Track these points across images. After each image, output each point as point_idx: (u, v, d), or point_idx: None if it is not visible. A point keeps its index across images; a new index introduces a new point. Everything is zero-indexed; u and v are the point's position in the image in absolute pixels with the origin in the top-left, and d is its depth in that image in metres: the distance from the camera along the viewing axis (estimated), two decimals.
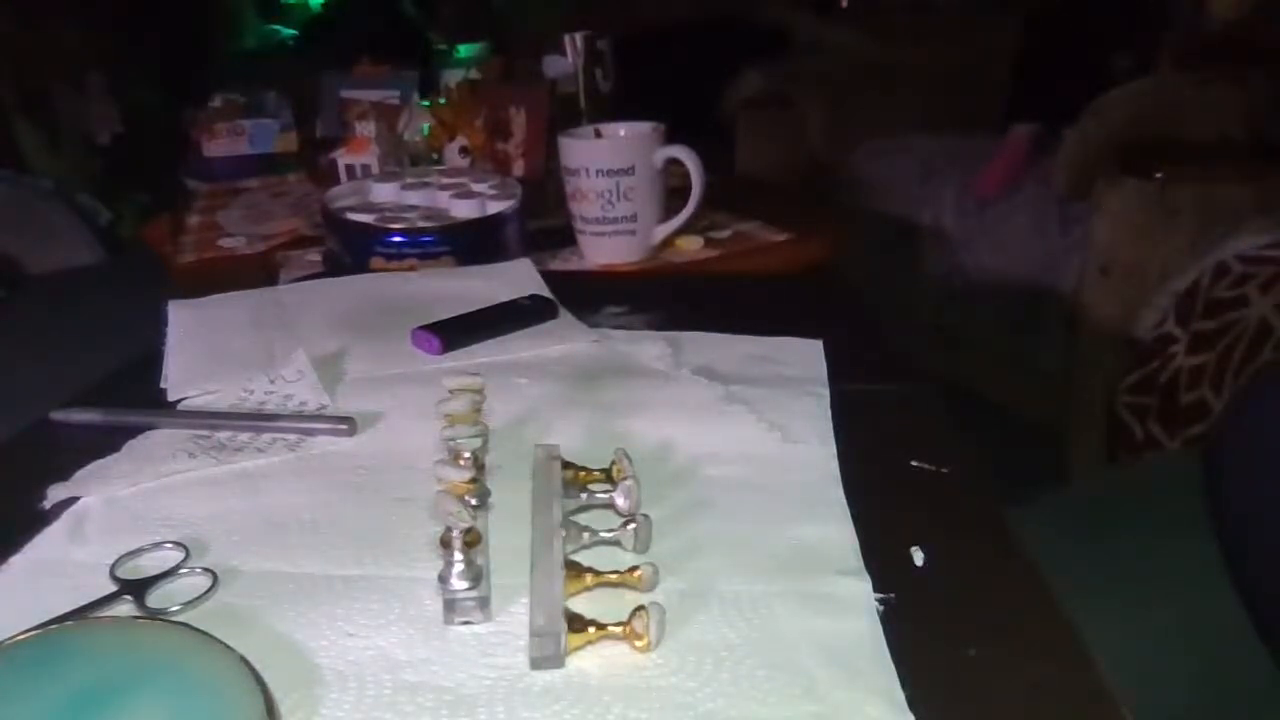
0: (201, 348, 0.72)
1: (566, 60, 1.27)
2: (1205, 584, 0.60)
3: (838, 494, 0.50)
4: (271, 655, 0.39)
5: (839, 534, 0.47)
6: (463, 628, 0.42)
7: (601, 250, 1.02)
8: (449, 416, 0.50)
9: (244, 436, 0.59)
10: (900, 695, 0.37)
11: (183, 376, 0.67)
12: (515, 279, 0.82)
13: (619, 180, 0.98)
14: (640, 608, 0.39)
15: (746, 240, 1.11)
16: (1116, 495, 0.77)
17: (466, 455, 0.48)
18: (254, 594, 0.44)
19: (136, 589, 0.44)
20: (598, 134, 1.03)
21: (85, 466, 0.55)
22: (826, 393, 0.61)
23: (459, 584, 0.41)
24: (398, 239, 0.94)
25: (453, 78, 1.41)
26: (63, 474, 0.54)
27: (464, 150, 1.31)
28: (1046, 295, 1.86)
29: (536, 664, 0.39)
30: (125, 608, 0.44)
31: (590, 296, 0.79)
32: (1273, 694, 0.58)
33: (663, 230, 1.02)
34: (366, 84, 1.57)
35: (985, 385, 2.02)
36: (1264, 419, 0.59)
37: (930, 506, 0.50)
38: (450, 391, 0.52)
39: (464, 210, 0.97)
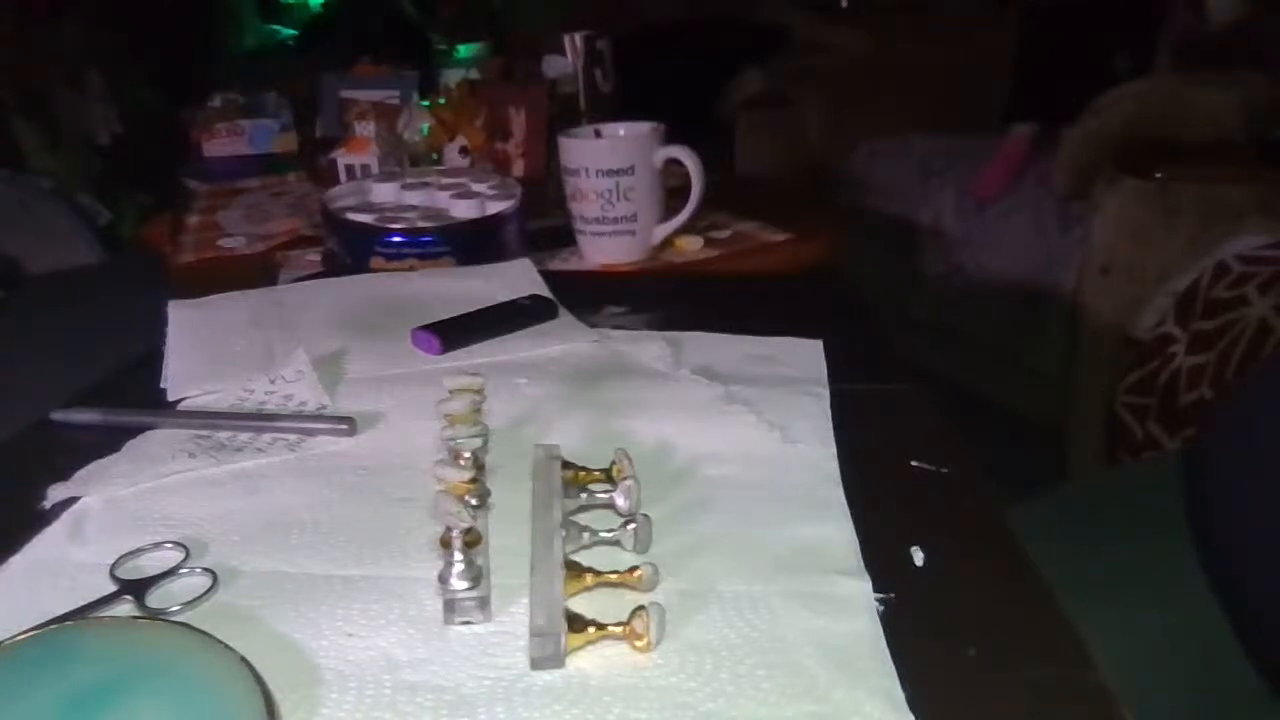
0: (201, 348, 0.72)
1: (566, 60, 1.27)
2: (1205, 583, 0.60)
3: (838, 494, 0.50)
4: (271, 655, 0.39)
5: (839, 534, 0.47)
6: (463, 628, 0.42)
7: (601, 250, 1.02)
8: (449, 416, 0.50)
9: (244, 436, 0.59)
10: (900, 695, 0.37)
11: (183, 376, 0.67)
12: (515, 279, 0.82)
13: (619, 180, 0.98)
14: (640, 608, 0.39)
15: (746, 240, 1.11)
16: (1116, 495, 0.77)
17: (466, 455, 0.48)
18: (254, 594, 0.44)
19: (136, 589, 0.44)
20: (597, 134, 1.03)
21: (85, 466, 0.55)
22: (826, 393, 0.61)
23: (459, 584, 0.41)
24: (397, 239, 0.94)
25: (453, 78, 1.41)
26: (63, 474, 0.54)
27: (464, 150, 1.31)
28: (1046, 295, 1.86)
29: (536, 664, 0.39)
30: (125, 608, 0.44)
31: (590, 296, 0.79)
32: (1272, 694, 0.58)
33: (663, 230, 1.02)
34: (366, 84, 1.57)
35: (985, 385, 2.02)
36: (1247, 423, 0.59)
37: (930, 506, 0.50)
38: (450, 391, 0.52)
39: (464, 210, 0.97)
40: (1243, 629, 0.57)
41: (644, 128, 1.01)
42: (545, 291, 0.79)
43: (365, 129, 1.35)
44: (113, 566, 0.46)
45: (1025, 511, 0.69)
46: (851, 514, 0.48)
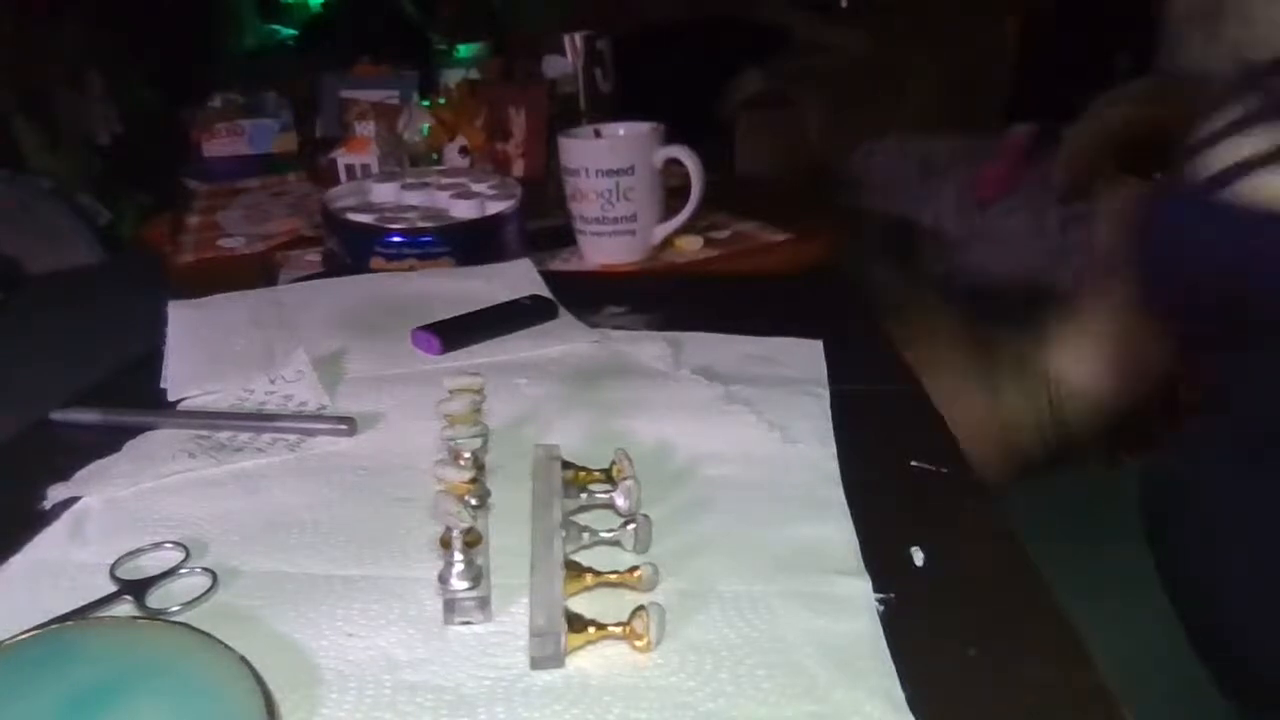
0: (201, 348, 0.72)
1: (566, 60, 1.27)
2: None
3: (838, 494, 0.50)
4: (271, 655, 0.39)
5: (839, 534, 0.47)
6: (463, 628, 0.42)
7: (601, 250, 1.02)
8: (449, 416, 0.50)
9: (244, 436, 0.59)
10: (900, 695, 0.37)
11: (183, 376, 0.67)
12: (515, 279, 0.82)
13: (619, 180, 0.98)
14: (640, 608, 0.39)
15: (746, 240, 1.11)
16: (1116, 495, 0.77)
17: (466, 455, 0.48)
18: (254, 594, 0.44)
19: (136, 589, 0.44)
20: (597, 134, 1.03)
21: (85, 466, 0.55)
22: (826, 393, 0.61)
23: (459, 584, 0.41)
24: (397, 239, 0.94)
25: (453, 78, 1.41)
26: (63, 474, 0.54)
27: (464, 150, 1.31)
28: (1046, 295, 1.86)
29: (536, 664, 0.39)
30: (125, 608, 0.44)
31: (590, 296, 0.79)
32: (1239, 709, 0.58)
33: (663, 230, 1.02)
34: (366, 84, 1.57)
35: None
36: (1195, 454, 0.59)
37: (930, 506, 0.50)
38: (450, 391, 0.52)
39: (464, 210, 0.97)
40: (1202, 647, 0.57)
41: (644, 128, 1.01)
42: (545, 291, 0.79)
43: (365, 129, 1.35)
44: (113, 566, 0.46)
45: (1025, 511, 0.69)
46: (851, 514, 0.48)
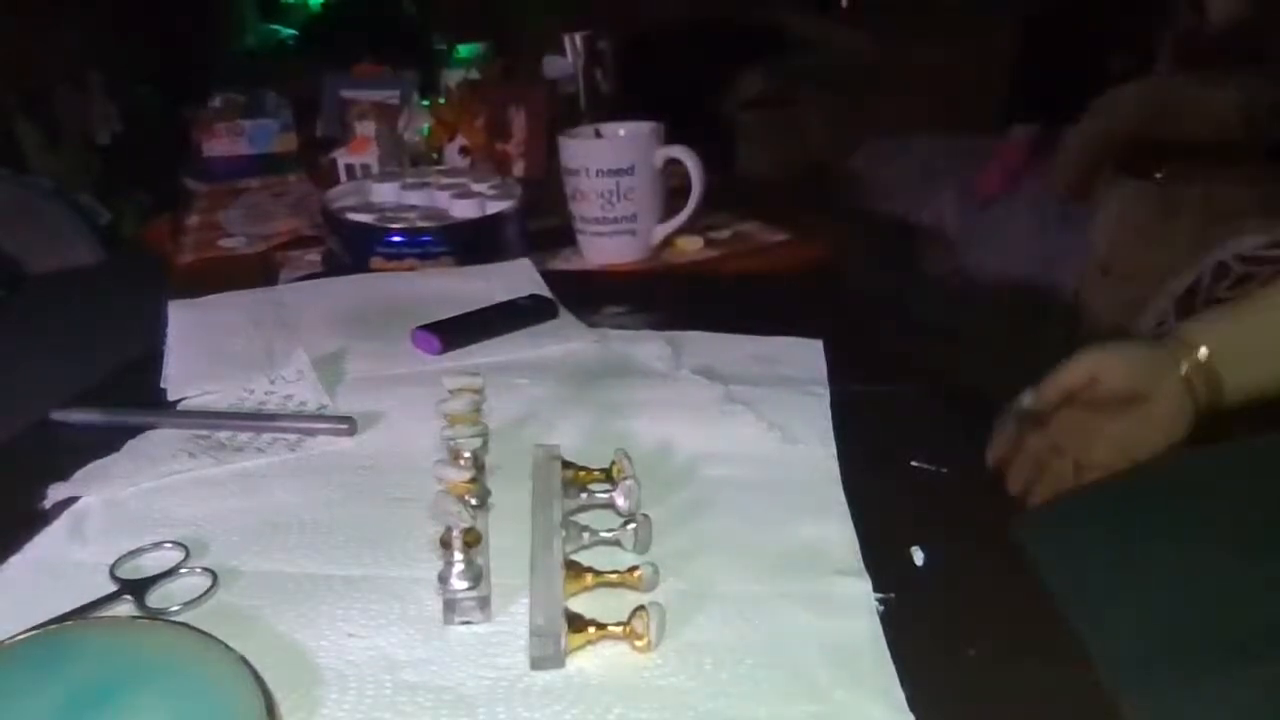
0: (201, 348, 0.72)
1: (566, 60, 1.27)
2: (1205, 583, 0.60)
3: (838, 494, 0.50)
4: (271, 655, 0.39)
5: (839, 534, 0.47)
6: (463, 628, 0.42)
7: (601, 250, 1.02)
8: (449, 416, 0.50)
9: (244, 436, 0.59)
10: (900, 695, 0.37)
11: (182, 376, 0.67)
12: (515, 279, 0.82)
13: (619, 180, 0.98)
14: (640, 608, 0.39)
15: (746, 240, 1.11)
16: (1116, 496, 0.77)
17: (466, 455, 0.48)
18: (254, 594, 0.44)
19: (136, 589, 0.44)
20: (598, 134, 1.03)
21: (85, 466, 0.55)
22: (826, 393, 0.61)
23: (459, 584, 0.41)
24: (397, 239, 0.94)
25: (453, 78, 1.40)
26: (63, 474, 0.54)
27: (464, 150, 1.31)
28: (1046, 295, 1.86)
29: (536, 664, 0.39)
30: (125, 608, 0.44)
31: (590, 296, 0.79)
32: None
33: (663, 230, 1.02)
34: (367, 84, 1.57)
35: (985, 385, 2.02)
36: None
37: (930, 506, 0.50)
38: (450, 391, 0.52)
39: (464, 210, 0.97)
40: None
41: (644, 128, 1.01)
42: (545, 291, 0.79)
43: (365, 129, 1.35)
44: (113, 566, 0.46)
45: (1025, 512, 0.69)
46: (851, 514, 0.48)
